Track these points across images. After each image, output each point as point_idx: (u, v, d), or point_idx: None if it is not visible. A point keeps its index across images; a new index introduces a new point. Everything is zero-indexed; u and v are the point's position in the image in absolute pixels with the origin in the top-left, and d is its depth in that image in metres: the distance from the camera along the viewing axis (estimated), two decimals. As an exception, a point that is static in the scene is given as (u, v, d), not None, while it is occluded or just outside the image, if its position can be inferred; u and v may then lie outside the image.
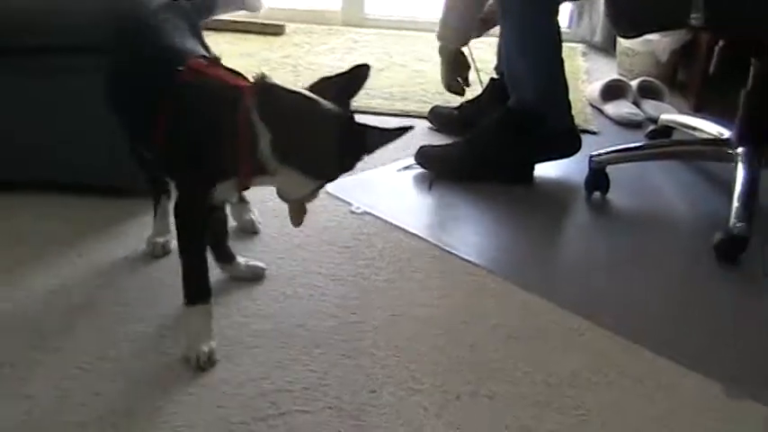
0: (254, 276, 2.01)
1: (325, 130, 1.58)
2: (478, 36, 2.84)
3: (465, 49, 2.84)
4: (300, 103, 1.58)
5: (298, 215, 1.72)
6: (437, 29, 2.79)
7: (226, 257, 1.98)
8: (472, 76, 2.90)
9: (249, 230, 2.21)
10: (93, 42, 2.16)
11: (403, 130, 1.59)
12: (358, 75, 1.65)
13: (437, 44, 2.83)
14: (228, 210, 2.10)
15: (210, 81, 1.65)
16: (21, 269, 2.00)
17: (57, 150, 2.30)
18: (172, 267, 1.81)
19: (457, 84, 2.90)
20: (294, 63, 3.51)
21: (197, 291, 1.71)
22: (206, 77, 1.65)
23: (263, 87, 1.58)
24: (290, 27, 4.04)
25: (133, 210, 2.28)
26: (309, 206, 1.68)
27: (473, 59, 2.87)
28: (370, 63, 1.65)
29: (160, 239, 2.09)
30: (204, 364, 1.68)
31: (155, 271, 2.02)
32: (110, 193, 2.33)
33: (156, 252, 2.08)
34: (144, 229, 2.14)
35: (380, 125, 1.59)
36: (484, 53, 3.08)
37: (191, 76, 1.65)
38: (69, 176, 2.34)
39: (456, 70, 2.87)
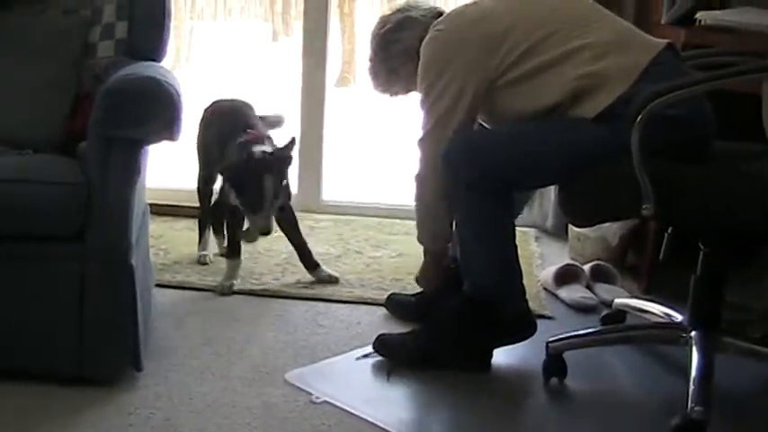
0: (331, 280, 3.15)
1: None
2: None
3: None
4: None
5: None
6: (418, 233, 2.78)
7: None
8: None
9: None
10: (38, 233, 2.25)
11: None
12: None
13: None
14: None
15: None
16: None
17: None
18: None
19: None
20: (251, 249, 3.51)
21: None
22: None
23: None
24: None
25: (85, 398, 2.25)
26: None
27: None
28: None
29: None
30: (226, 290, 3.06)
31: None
32: (54, 381, 2.30)
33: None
34: (99, 416, 2.11)
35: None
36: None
37: None
38: (11, 362, 2.31)
39: (440, 265, 2.87)
